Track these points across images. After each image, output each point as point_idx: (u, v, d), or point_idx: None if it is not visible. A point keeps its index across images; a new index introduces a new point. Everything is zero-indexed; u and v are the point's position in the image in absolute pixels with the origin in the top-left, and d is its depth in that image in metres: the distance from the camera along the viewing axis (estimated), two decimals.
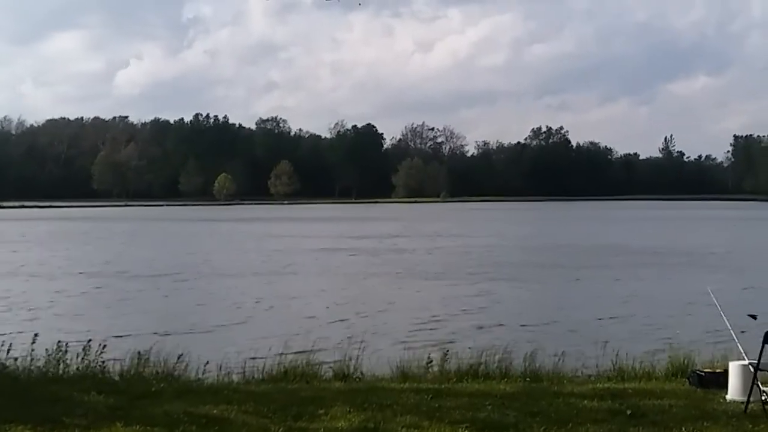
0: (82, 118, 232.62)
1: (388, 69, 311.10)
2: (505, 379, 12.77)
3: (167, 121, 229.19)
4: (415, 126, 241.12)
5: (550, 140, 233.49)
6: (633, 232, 69.59)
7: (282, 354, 13.63)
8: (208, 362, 13.60)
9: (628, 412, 9.68)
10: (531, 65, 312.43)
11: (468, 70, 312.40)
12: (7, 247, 52.64)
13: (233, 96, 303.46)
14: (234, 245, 55.35)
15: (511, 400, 10.51)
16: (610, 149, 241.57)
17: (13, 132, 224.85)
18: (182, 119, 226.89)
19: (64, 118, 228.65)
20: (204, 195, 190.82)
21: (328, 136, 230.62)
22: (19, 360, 12.69)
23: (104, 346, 13.19)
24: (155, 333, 19.52)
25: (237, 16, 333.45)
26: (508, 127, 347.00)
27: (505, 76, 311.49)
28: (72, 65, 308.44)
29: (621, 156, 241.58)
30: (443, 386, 11.73)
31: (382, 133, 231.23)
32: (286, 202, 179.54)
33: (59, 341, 13.07)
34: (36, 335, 13.14)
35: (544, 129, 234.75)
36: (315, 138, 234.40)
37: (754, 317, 10.96)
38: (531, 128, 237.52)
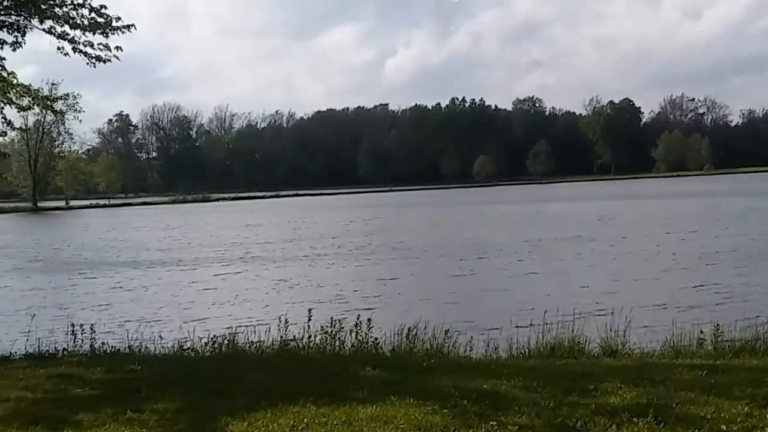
0: (347, 108, 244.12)
1: (652, 41, 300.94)
2: None
3: (425, 107, 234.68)
4: (674, 98, 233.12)
5: None
6: None
7: (547, 326, 13.68)
8: (472, 338, 13.89)
9: None
10: None
11: (739, 36, 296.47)
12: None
13: (492, 78, 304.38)
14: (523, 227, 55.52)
15: None
16: None
17: (285, 125, 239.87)
18: (439, 104, 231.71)
19: (331, 109, 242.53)
20: (463, 177, 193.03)
21: (584, 113, 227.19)
22: (297, 336, 13.60)
23: (373, 322, 13.82)
24: (425, 310, 19.79)
25: None
26: None
27: None
28: (344, 57, 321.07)
29: None
30: (718, 362, 11.26)
31: (640, 107, 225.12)
32: (543, 181, 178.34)
33: (332, 318, 13.85)
34: (311, 311, 14.14)
35: None
36: (570, 115, 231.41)
37: None
38: None
